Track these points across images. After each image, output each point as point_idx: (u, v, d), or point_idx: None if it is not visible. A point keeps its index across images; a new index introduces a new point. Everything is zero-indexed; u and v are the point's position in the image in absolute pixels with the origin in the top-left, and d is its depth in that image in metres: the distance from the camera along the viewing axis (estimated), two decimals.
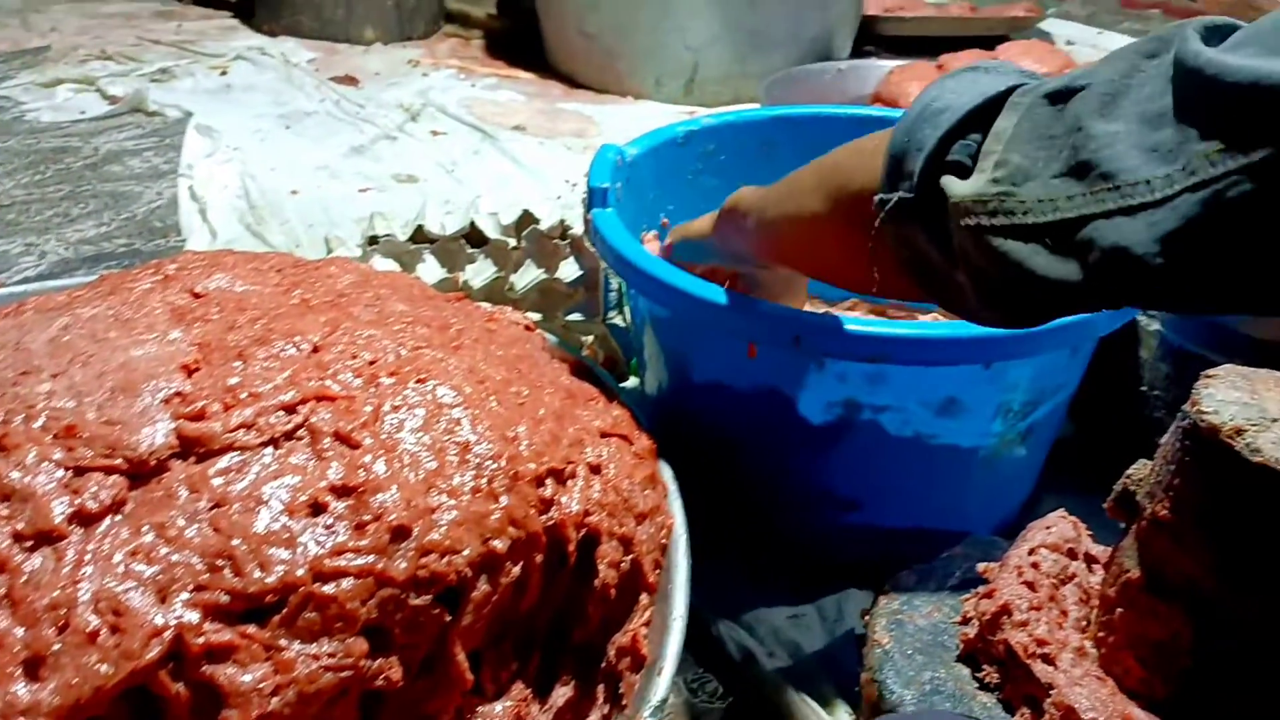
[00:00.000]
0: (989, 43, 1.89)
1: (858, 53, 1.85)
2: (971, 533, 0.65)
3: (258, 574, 0.42)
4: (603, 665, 0.54)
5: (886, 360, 0.56)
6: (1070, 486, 0.78)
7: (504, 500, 0.49)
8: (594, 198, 0.67)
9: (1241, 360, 0.69)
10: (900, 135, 0.43)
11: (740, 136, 0.84)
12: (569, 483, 0.53)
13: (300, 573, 0.43)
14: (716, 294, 0.58)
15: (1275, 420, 0.43)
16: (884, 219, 0.44)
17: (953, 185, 0.40)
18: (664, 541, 0.56)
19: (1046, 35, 2.12)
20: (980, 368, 0.59)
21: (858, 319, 0.56)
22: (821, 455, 0.63)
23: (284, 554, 0.43)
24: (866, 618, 0.60)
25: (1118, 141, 0.34)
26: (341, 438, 0.48)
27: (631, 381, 0.85)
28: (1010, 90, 0.41)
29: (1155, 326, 0.72)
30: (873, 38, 1.94)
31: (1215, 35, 0.34)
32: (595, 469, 0.54)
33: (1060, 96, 0.38)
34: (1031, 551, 0.56)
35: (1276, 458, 0.42)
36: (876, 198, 0.44)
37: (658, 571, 0.55)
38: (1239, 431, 0.43)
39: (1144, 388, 0.73)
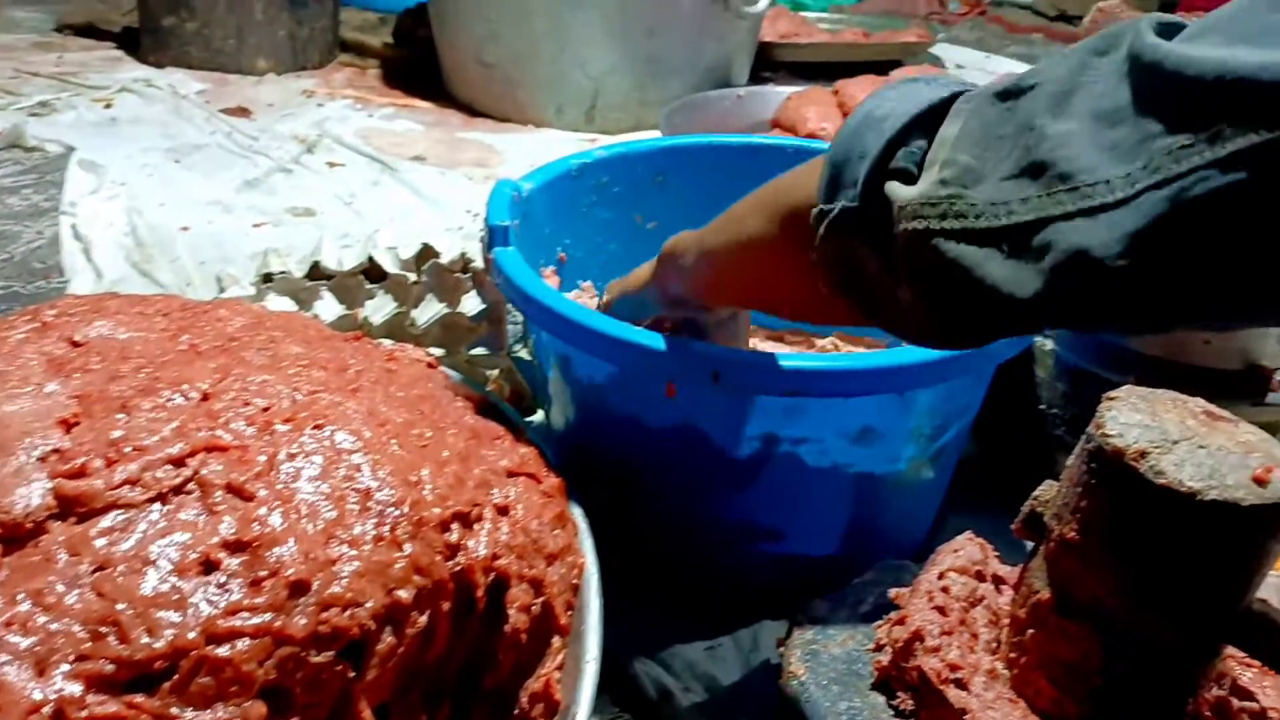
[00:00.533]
0: (883, 67, 1.93)
1: (755, 79, 1.87)
2: (883, 557, 0.65)
3: (145, 639, 0.40)
4: (515, 712, 0.52)
5: (806, 393, 0.56)
6: (974, 506, 0.79)
7: (408, 548, 0.47)
8: (495, 236, 0.66)
9: (1133, 376, 0.71)
10: (841, 144, 0.41)
11: (633, 168, 0.84)
12: (476, 526, 0.51)
13: (192, 635, 0.41)
14: (635, 334, 0.57)
15: (1176, 442, 0.44)
16: (824, 232, 0.42)
17: (898, 190, 0.38)
18: (575, 582, 0.55)
19: (937, 60, 2.18)
20: (895, 396, 0.59)
21: (777, 353, 0.56)
22: (738, 489, 0.63)
23: (174, 616, 0.41)
24: (781, 648, 0.60)
25: (1073, 140, 0.33)
26: (234, 490, 0.45)
27: (539, 416, 0.84)
28: (954, 97, 0.39)
29: (1050, 346, 0.74)
30: (770, 64, 1.97)
31: (1169, 31, 0.33)
32: (503, 510, 0.53)
33: (1008, 95, 0.36)
34: (941, 575, 0.57)
35: (1179, 479, 0.42)
36: (815, 209, 0.42)
37: (570, 613, 0.54)
38: (1143, 454, 0.44)
39: (1042, 406, 0.75)
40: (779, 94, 1.55)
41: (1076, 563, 0.47)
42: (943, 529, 0.77)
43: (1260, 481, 0.43)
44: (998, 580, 0.58)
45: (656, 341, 0.57)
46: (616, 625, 0.55)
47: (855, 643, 0.57)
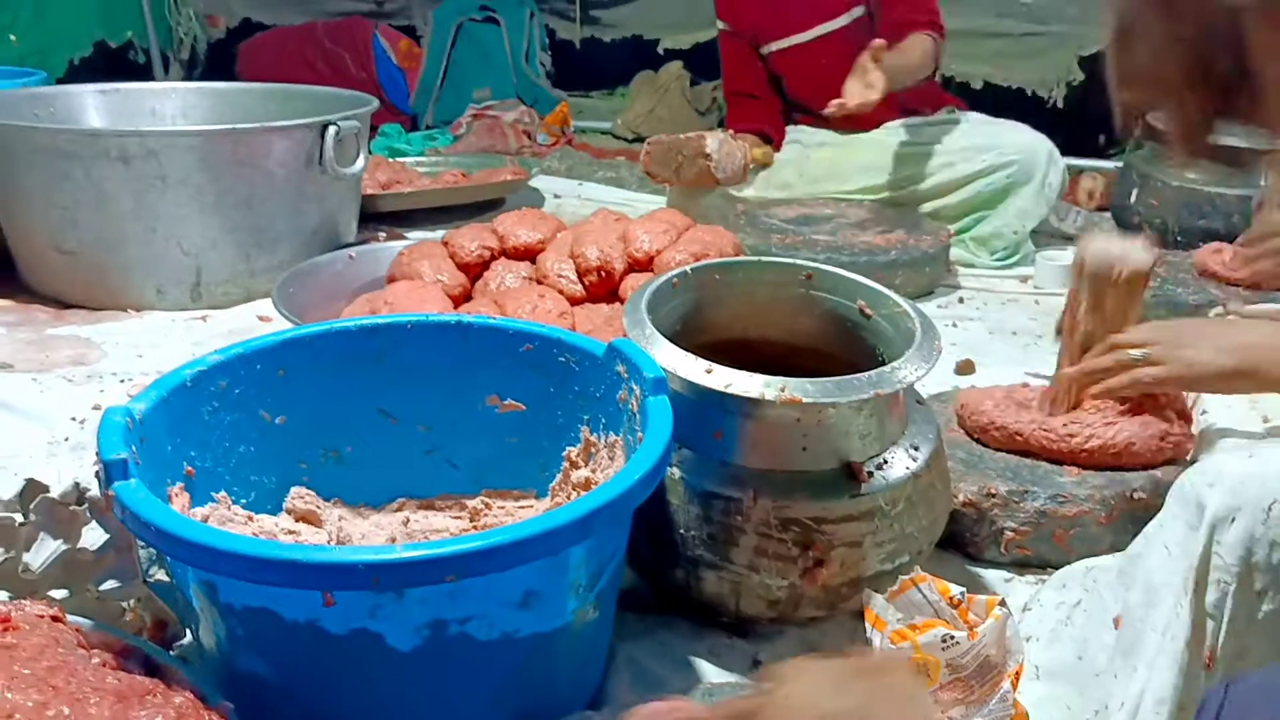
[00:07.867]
0: (486, 208, 2.03)
1: (363, 231, 1.89)
2: (566, 712, 0.68)
3: None
4: None
5: (465, 576, 0.57)
6: (641, 628, 0.84)
7: None
8: (111, 471, 0.62)
9: (751, 489, 0.78)
10: None
11: (251, 366, 0.82)
12: None
13: None
14: (281, 550, 0.57)
15: None
16: None
17: None
18: None
19: (535, 191, 2.31)
20: (549, 558, 0.61)
21: (429, 544, 0.57)
22: (415, 679, 0.63)
23: None
24: None
25: None
26: None
27: (189, 637, 0.79)
28: None
29: (679, 474, 0.80)
30: (375, 215, 1.99)
31: None
32: None
33: None
34: None
35: None
36: None
37: None
38: None
39: (680, 531, 0.81)
40: (391, 250, 1.57)
41: None
42: (614, 661, 0.80)
43: None
44: None
45: (309, 554, 0.56)
46: None
47: None
